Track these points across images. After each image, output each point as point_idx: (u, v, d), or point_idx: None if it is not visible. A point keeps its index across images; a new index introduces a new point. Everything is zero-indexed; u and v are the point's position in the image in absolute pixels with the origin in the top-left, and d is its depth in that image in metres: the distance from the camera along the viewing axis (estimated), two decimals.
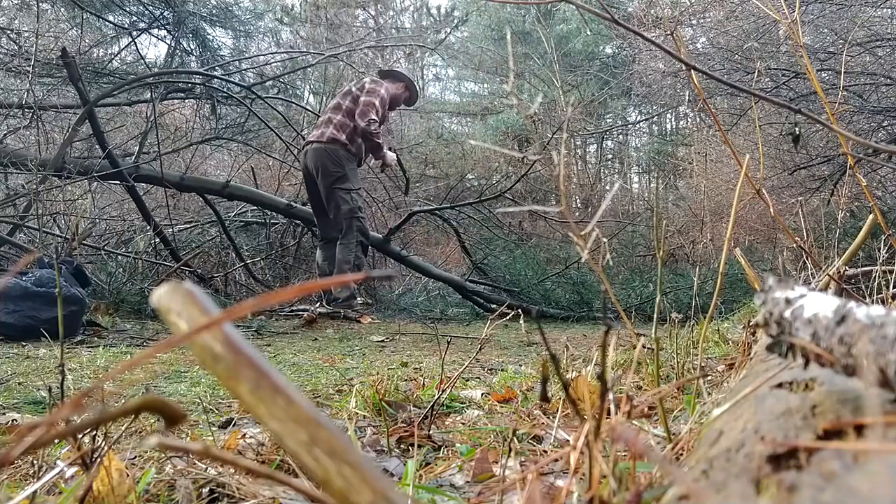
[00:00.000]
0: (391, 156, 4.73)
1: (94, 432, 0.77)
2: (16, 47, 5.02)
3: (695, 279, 1.99)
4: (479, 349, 1.20)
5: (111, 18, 5.65)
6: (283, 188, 6.27)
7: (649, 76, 6.58)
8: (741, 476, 0.42)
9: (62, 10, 5.65)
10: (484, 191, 6.37)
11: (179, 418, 0.34)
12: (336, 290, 4.41)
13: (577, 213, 10.25)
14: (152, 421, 1.24)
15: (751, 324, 1.41)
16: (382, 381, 1.39)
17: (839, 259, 1.53)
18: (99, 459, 0.74)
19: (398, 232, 5.45)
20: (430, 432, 1.17)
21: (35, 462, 0.84)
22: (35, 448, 0.34)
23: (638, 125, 13.19)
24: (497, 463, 0.96)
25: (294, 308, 4.33)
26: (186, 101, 6.10)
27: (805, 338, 0.49)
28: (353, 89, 4.64)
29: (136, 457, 0.95)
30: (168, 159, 5.16)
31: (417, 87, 4.98)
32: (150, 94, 5.12)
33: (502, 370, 2.14)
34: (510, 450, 0.75)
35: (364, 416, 1.33)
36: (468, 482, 0.93)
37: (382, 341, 3.28)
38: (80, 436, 0.79)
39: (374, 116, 4.47)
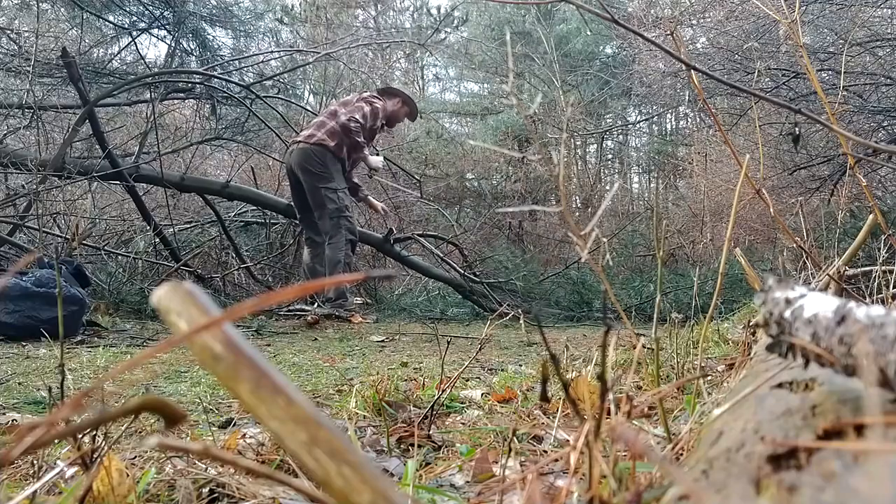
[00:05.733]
0: (375, 159, 4.73)
1: (94, 432, 0.77)
2: (16, 47, 5.02)
3: (695, 279, 2.00)
4: (479, 349, 1.20)
5: (111, 18, 5.65)
6: (283, 188, 6.26)
7: (649, 76, 6.58)
8: (741, 476, 0.42)
9: (62, 10, 5.65)
10: (490, 201, 6.39)
11: (179, 418, 0.34)
12: (328, 289, 4.42)
13: (577, 213, 10.25)
14: (152, 421, 1.24)
15: (751, 324, 1.41)
16: (382, 381, 1.39)
17: (839, 259, 1.53)
18: (99, 459, 0.74)
19: (399, 240, 5.46)
20: (430, 432, 1.17)
21: (35, 462, 0.84)
22: (35, 448, 0.34)
23: (638, 125, 13.18)
24: (497, 463, 0.96)
25: (292, 308, 4.32)
26: (186, 101, 6.09)
27: (805, 338, 0.49)
28: (353, 100, 4.68)
29: (136, 457, 0.95)
30: (168, 159, 5.16)
31: (415, 101, 5.03)
32: (150, 94, 5.12)
33: (502, 370, 2.14)
34: (510, 450, 0.75)
35: (364, 416, 1.33)
36: (468, 482, 0.93)
37: (382, 341, 3.28)
38: (80, 436, 0.79)
39: (357, 116, 4.50)
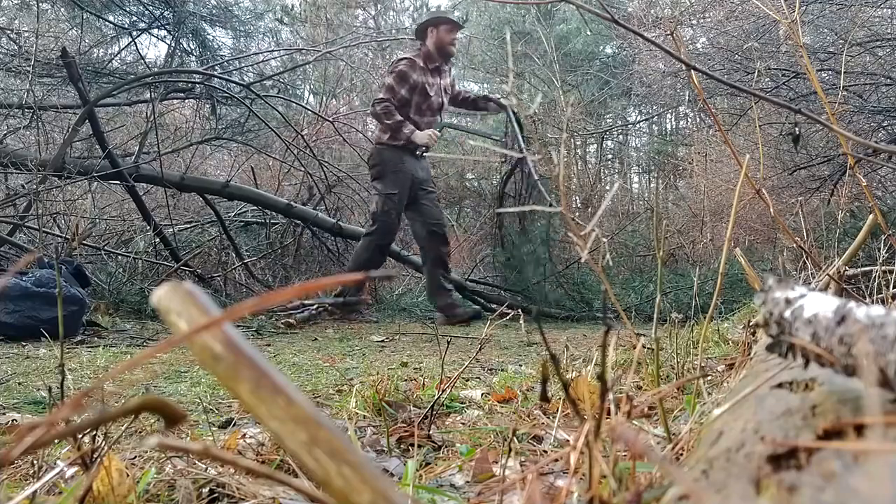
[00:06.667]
0: (421, 135, 4.20)
1: (94, 432, 0.77)
2: (16, 47, 5.02)
3: (695, 279, 2.00)
4: (479, 349, 1.20)
5: (111, 18, 5.65)
6: (283, 188, 6.27)
7: (649, 76, 6.58)
8: (741, 476, 0.42)
9: (62, 10, 5.65)
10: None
11: (179, 418, 0.34)
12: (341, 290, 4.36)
13: (577, 213, 10.24)
14: (152, 421, 1.24)
15: (751, 324, 1.41)
16: (382, 381, 1.39)
17: (839, 259, 1.53)
18: (99, 459, 0.74)
19: (398, 232, 5.44)
20: (430, 432, 1.17)
21: (35, 462, 0.84)
22: (35, 448, 0.34)
23: (638, 125, 13.18)
24: (497, 463, 0.96)
25: (301, 303, 4.32)
26: (186, 101, 6.10)
27: (805, 338, 0.49)
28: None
29: (136, 457, 0.95)
30: (168, 159, 5.16)
31: (439, 15, 4.53)
32: (150, 94, 5.12)
33: (502, 370, 2.15)
34: (510, 450, 0.75)
35: (364, 416, 1.33)
36: (468, 482, 0.93)
37: (382, 341, 3.28)
38: (80, 436, 0.79)
39: (381, 96, 4.21)
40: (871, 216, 1.42)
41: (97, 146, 4.58)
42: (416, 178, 4.36)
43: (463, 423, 1.31)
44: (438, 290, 4.37)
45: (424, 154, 4.35)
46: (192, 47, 5.99)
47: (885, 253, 1.60)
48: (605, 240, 0.70)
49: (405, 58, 4.31)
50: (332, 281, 0.37)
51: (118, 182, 4.76)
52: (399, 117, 4.19)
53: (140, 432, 1.21)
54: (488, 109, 4.73)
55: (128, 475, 0.78)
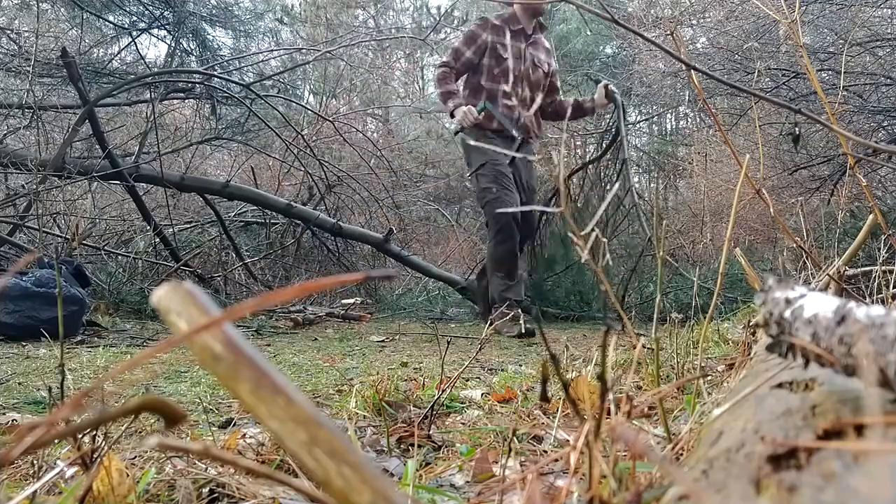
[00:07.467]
0: (461, 112, 3.59)
1: (94, 432, 0.77)
2: (16, 47, 5.03)
3: (695, 279, 2.00)
4: (479, 349, 1.20)
5: (111, 18, 5.65)
6: (283, 188, 6.27)
7: (649, 76, 6.59)
8: (741, 476, 0.42)
9: (62, 10, 5.65)
10: None
11: (179, 418, 0.34)
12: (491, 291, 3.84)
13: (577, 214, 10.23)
14: (152, 421, 1.24)
15: (751, 324, 1.41)
16: (382, 381, 1.39)
17: (839, 259, 1.53)
18: (99, 459, 0.74)
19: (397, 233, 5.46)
20: (430, 432, 1.17)
21: (35, 462, 0.84)
22: (35, 448, 0.34)
23: (638, 125, 13.18)
24: (497, 463, 0.96)
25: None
26: (186, 101, 6.10)
27: (805, 338, 0.49)
28: None
29: (136, 457, 0.95)
30: (168, 159, 5.16)
31: None
32: (150, 94, 5.12)
33: (502, 370, 2.14)
34: (510, 450, 0.75)
35: (364, 416, 1.33)
36: (468, 482, 0.93)
37: (382, 341, 3.28)
38: (80, 436, 0.79)
39: (443, 59, 3.71)
40: (871, 216, 1.42)
41: (97, 146, 4.58)
42: (515, 167, 3.76)
43: (463, 423, 1.31)
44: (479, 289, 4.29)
45: (526, 140, 3.70)
46: (192, 47, 5.99)
47: (885, 253, 1.60)
48: (604, 240, 0.70)
49: (480, 18, 3.87)
50: (332, 281, 0.37)
51: (118, 182, 4.76)
52: (452, 87, 3.64)
53: (140, 432, 1.21)
54: (591, 108, 3.99)
55: (128, 475, 0.78)
